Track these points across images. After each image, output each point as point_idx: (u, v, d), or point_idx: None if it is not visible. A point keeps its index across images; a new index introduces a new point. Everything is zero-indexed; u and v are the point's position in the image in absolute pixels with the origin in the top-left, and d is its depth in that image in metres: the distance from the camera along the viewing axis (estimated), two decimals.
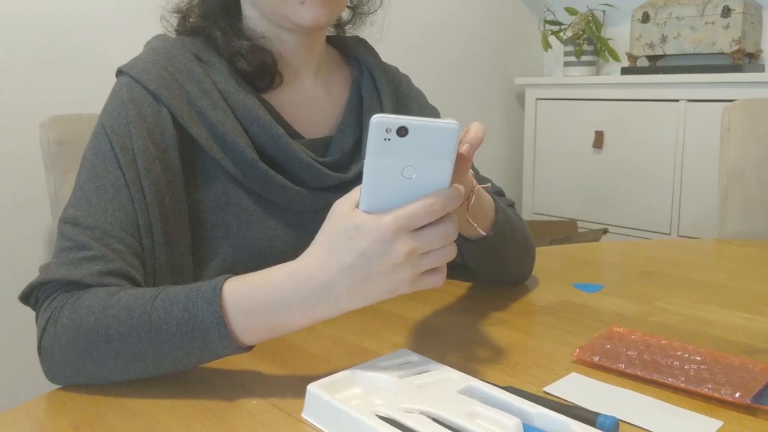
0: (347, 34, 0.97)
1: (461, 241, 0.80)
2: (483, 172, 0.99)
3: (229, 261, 0.78)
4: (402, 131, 0.52)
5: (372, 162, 0.54)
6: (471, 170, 0.66)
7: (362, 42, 0.97)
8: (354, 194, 0.57)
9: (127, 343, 0.60)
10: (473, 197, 0.69)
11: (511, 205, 0.95)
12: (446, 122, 0.53)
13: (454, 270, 0.83)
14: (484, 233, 0.75)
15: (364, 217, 0.55)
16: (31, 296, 0.67)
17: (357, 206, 0.57)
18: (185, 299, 0.60)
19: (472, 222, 0.71)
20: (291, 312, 0.58)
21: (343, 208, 0.57)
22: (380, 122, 0.52)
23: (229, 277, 0.61)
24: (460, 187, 0.57)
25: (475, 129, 0.59)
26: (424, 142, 0.53)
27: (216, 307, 0.58)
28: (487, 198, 0.77)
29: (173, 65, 0.77)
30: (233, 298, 0.59)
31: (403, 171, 0.54)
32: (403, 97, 0.96)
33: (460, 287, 0.92)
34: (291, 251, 0.79)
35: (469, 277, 0.95)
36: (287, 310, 0.58)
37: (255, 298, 0.59)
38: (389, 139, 0.52)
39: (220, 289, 0.59)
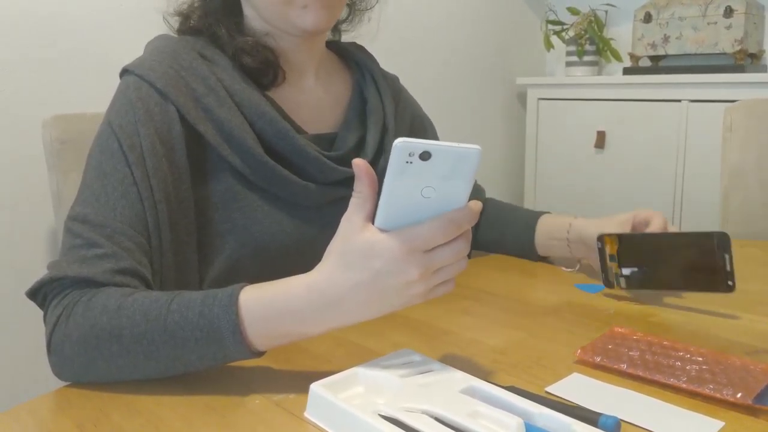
0: (344, 36, 0.99)
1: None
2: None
3: (235, 256, 0.78)
4: (425, 155, 0.52)
5: (392, 182, 0.54)
6: None
7: (361, 48, 0.99)
8: (366, 206, 0.57)
9: (140, 345, 0.61)
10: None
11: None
12: (468, 146, 0.53)
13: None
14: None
15: (379, 236, 0.56)
16: (39, 293, 0.68)
17: (370, 220, 0.57)
18: (201, 305, 0.60)
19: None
20: (305, 322, 0.59)
21: (357, 223, 0.57)
22: (404, 146, 0.52)
23: (245, 285, 0.61)
24: (476, 206, 0.57)
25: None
26: (446, 165, 0.53)
27: (232, 315, 0.59)
28: None
29: (178, 63, 0.78)
30: (249, 307, 0.59)
31: (422, 191, 0.54)
32: (403, 105, 0.99)
33: (463, 288, 0.92)
34: (295, 246, 0.80)
35: (471, 276, 0.95)
36: (302, 320, 0.59)
37: (270, 308, 0.59)
38: (411, 162, 0.52)
39: (237, 297, 0.60)
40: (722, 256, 0.76)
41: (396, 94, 0.98)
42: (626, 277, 0.83)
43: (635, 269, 0.82)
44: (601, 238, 0.86)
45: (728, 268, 0.76)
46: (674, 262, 0.80)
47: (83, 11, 1.55)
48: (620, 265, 0.84)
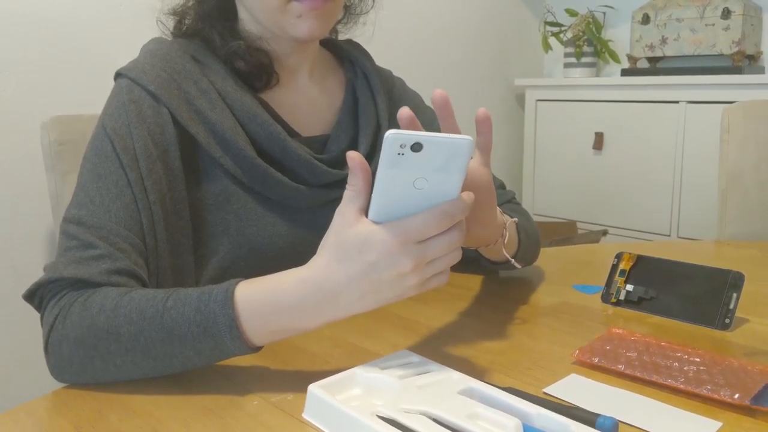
0: (339, 36, 0.98)
1: (487, 263, 0.85)
2: None
3: (229, 258, 0.78)
4: (416, 147, 0.52)
5: (384, 174, 0.54)
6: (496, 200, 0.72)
7: (355, 45, 0.98)
8: (359, 199, 0.57)
9: (137, 343, 0.61)
10: (507, 233, 0.76)
11: (512, 198, 0.99)
12: (460, 137, 0.53)
13: (460, 265, 0.84)
14: (519, 266, 0.81)
15: (372, 228, 0.56)
16: (35, 295, 0.68)
17: (363, 213, 0.57)
18: (197, 301, 0.60)
19: (510, 257, 0.78)
20: (301, 316, 0.59)
21: (350, 216, 0.57)
22: (395, 138, 0.52)
23: (240, 281, 0.61)
24: (469, 197, 0.58)
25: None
26: (437, 156, 0.53)
27: (228, 310, 0.59)
28: (513, 229, 0.83)
29: (171, 66, 0.78)
30: (245, 302, 0.60)
31: (414, 183, 0.54)
32: (397, 99, 0.97)
33: (461, 288, 0.92)
34: (290, 248, 0.80)
35: (468, 277, 0.95)
36: (298, 314, 0.59)
37: (266, 303, 0.59)
38: (403, 154, 0.52)
39: (232, 293, 0.60)
40: (730, 294, 0.77)
41: (389, 89, 0.96)
42: (628, 292, 0.84)
43: (639, 288, 0.83)
44: (619, 255, 0.86)
45: (731, 306, 0.76)
46: (679, 291, 0.81)
47: (82, 13, 1.55)
48: (626, 282, 0.85)
